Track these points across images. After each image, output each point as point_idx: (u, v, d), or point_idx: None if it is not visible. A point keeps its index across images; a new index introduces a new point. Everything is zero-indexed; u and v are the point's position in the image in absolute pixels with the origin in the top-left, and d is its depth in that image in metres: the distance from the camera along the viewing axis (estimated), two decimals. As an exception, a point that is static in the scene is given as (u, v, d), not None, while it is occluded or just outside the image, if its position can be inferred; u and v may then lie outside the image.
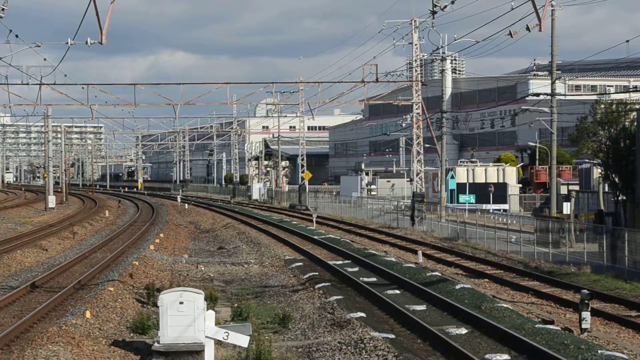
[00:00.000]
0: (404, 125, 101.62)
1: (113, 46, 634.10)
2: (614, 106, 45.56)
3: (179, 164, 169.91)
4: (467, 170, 79.59)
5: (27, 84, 52.51)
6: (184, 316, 17.93)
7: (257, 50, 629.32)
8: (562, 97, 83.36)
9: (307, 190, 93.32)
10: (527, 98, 79.08)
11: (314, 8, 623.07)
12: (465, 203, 62.34)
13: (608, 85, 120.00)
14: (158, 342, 18.27)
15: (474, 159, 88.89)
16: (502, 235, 44.96)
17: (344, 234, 53.70)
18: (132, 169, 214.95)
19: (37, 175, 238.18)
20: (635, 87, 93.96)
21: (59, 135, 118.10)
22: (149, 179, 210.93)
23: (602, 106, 45.99)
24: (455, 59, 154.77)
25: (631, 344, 21.28)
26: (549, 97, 52.73)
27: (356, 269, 33.96)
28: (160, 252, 40.69)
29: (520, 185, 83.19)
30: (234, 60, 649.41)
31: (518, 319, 22.22)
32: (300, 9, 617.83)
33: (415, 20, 63.17)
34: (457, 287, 27.45)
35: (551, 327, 21.09)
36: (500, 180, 78.69)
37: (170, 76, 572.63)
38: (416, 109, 63.31)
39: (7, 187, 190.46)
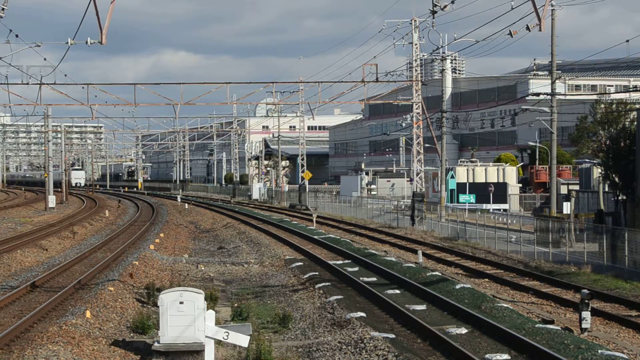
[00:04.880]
0: (404, 125, 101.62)
1: (115, 46, 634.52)
2: (614, 106, 45.58)
3: (179, 163, 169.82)
4: (467, 170, 79.58)
5: (27, 83, 52.52)
6: (184, 316, 17.94)
7: (259, 50, 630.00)
8: (562, 97, 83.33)
9: (307, 190, 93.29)
10: (527, 98, 79.07)
11: (316, 8, 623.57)
12: (465, 203, 62.27)
13: (608, 85, 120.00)
14: (158, 341, 18.28)
15: (474, 159, 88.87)
16: (502, 235, 44.95)
17: (344, 234, 53.70)
18: (132, 168, 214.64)
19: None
20: (635, 86, 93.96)
21: (59, 135, 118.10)
22: (149, 178, 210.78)
23: (602, 106, 46.02)
24: (455, 59, 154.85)
25: (631, 343, 21.28)
26: (549, 97, 52.71)
27: (356, 268, 33.96)
28: (160, 252, 40.69)
29: (520, 185, 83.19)
30: (236, 60, 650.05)
31: (518, 319, 22.22)
32: (302, 9, 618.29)
33: (415, 20, 63.10)
34: (457, 286, 27.44)
35: (551, 326, 21.09)
36: (500, 180, 78.67)
37: (173, 76, 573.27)
38: (416, 108, 63.28)
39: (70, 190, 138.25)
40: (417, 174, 63.01)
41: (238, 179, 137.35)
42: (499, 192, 74.11)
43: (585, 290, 22.56)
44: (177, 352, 18.07)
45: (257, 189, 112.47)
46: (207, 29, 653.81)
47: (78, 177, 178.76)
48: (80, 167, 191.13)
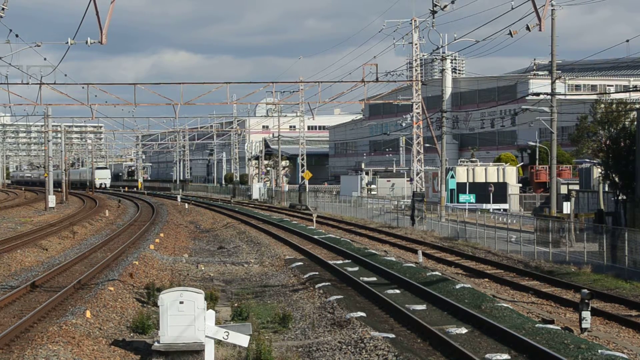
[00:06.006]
0: (404, 125, 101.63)
1: (116, 46, 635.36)
2: (614, 106, 45.61)
3: (179, 163, 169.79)
4: (467, 169, 79.56)
5: (27, 83, 52.58)
6: (184, 316, 17.94)
7: (259, 50, 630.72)
8: (562, 97, 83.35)
9: (307, 190, 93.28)
10: (527, 98, 79.02)
11: (317, 8, 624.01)
12: (465, 203, 62.27)
13: (608, 85, 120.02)
14: (158, 341, 18.28)
15: (474, 159, 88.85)
16: (502, 234, 44.94)
17: (344, 234, 53.68)
18: (132, 168, 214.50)
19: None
20: (635, 86, 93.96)
21: (59, 135, 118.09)
22: (149, 178, 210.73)
23: (602, 106, 46.07)
24: (455, 59, 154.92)
25: (631, 343, 21.27)
26: (549, 97, 52.69)
27: (356, 268, 33.96)
28: (160, 252, 40.69)
29: (520, 185, 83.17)
30: (236, 60, 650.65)
31: (518, 319, 22.22)
32: (302, 9, 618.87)
33: (415, 20, 63.11)
34: (457, 286, 27.44)
35: (551, 326, 21.09)
36: (500, 180, 78.63)
37: (173, 76, 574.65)
38: (416, 108, 63.30)
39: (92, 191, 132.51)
40: (417, 174, 63.06)
41: (238, 179, 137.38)
42: (499, 192, 74.08)
43: (585, 290, 22.55)
44: (177, 352, 18.07)
45: (257, 189, 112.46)
46: (207, 29, 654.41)
47: (102, 177, 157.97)
48: (104, 166, 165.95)
